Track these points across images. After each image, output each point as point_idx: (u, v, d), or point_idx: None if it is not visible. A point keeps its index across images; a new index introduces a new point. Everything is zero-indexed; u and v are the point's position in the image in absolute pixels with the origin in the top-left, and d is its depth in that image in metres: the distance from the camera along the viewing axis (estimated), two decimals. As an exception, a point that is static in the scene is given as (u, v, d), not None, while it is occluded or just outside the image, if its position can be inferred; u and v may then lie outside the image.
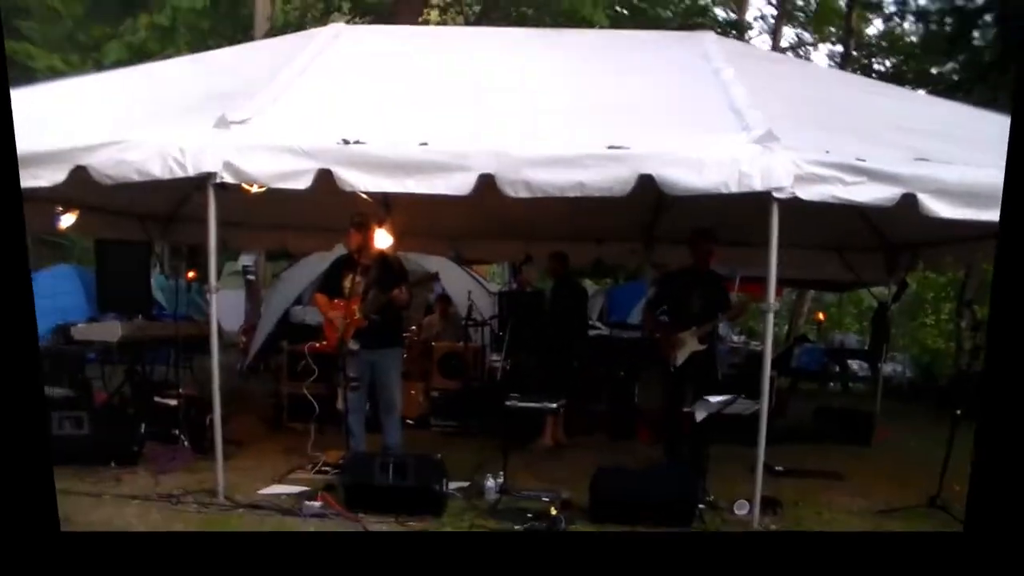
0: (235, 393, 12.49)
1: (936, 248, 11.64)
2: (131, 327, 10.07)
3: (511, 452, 8.57)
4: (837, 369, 17.50)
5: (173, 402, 9.71)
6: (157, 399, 9.92)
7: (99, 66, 17.76)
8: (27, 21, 25.23)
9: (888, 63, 28.67)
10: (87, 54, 21.26)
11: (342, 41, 10.17)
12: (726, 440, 8.94)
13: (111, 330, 9.93)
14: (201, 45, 17.83)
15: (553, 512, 7.37)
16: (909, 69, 25.35)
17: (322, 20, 22.45)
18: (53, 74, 18.39)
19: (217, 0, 20.32)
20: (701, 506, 7.63)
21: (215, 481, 7.79)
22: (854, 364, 18.79)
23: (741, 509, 7.72)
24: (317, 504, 7.46)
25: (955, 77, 21.87)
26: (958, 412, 8.21)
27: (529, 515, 7.44)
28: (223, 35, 20.43)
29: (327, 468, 8.82)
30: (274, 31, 19.18)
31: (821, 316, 23.29)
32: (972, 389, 12.26)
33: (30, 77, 17.23)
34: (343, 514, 7.36)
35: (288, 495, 7.95)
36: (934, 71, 24.19)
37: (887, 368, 16.19)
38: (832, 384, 18.27)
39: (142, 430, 9.19)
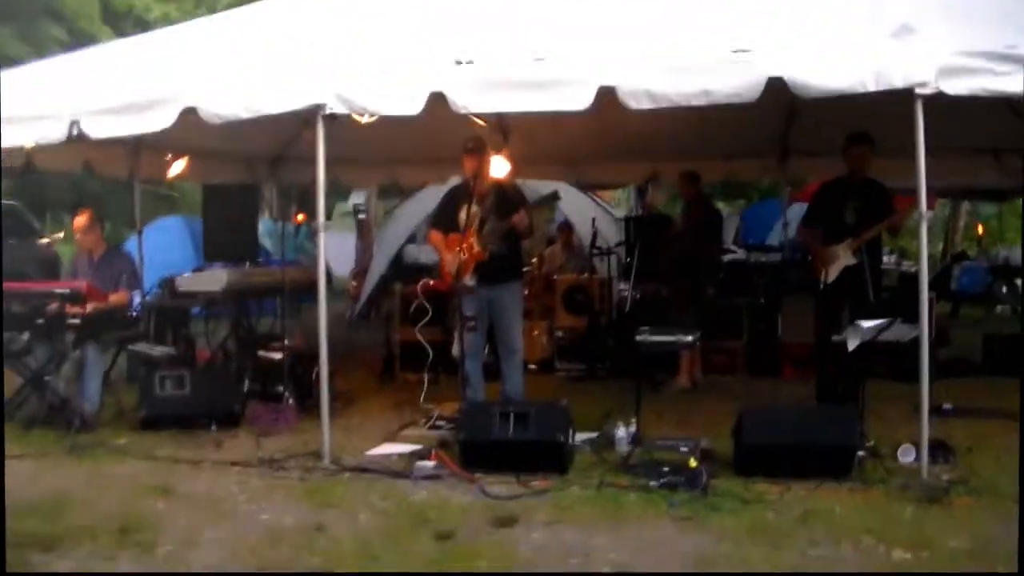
0: (345, 343, 12.08)
1: None
2: (237, 275, 9.77)
3: (643, 396, 7.86)
4: (1004, 290, 16.20)
5: (278, 356, 9.34)
6: (261, 354, 9.58)
7: (212, 11, 17.76)
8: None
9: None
10: (200, 1, 21.35)
11: None
12: (883, 376, 8.18)
13: (216, 279, 9.62)
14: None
15: (693, 464, 6.65)
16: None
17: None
18: (168, 22, 18.50)
19: None
20: (861, 453, 6.81)
21: (320, 442, 7.32)
22: (1024, 284, 17.57)
23: (907, 456, 6.89)
24: (430, 464, 6.93)
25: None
26: None
27: (666, 469, 6.70)
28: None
29: (442, 422, 8.29)
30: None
31: (981, 229, 21.79)
32: None
33: (145, 28, 17.28)
34: (459, 474, 6.80)
35: (399, 455, 7.41)
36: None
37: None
38: (1000, 307, 16.96)
39: (245, 388, 8.98)
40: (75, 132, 7.54)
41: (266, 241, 15.14)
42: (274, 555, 5.22)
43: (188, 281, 9.72)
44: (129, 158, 10.52)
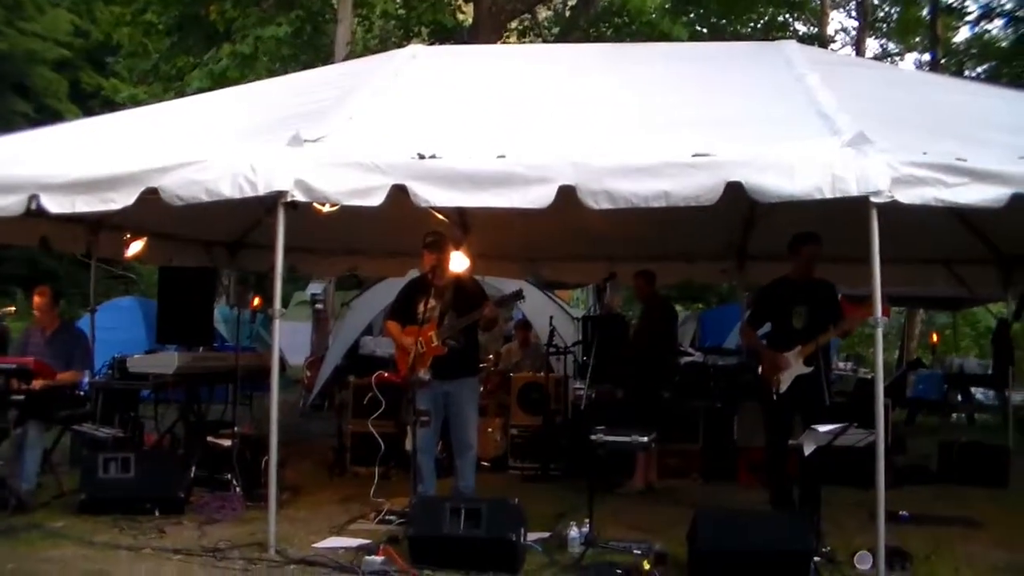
0: (295, 433, 11.92)
1: None
2: (189, 358, 9.78)
3: (597, 497, 7.75)
4: (959, 398, 16.28)
5: (227, 443, 9.19)
6: (210, 440, 9.44)
7: (181, 95, 17.88)
8: (114, 58, 25.74)
9: (980, 69, 27.93)
10: (170, 84, 21.50)
11: (419, 61, 9.98)
12: (838, 482, 8.13)
13: (167, 361, 9.63)
14: (281, 72, 17.86)
15: (646, 567, 6.61)
16: (1002, 74, 24.37)
17: (401, 46, 22.59)
18: (135, 104, 18.60)
19: (299, 28, 20.46)
20: (817, 559, 6.72)
21: (266, 533, 7.13)
22: (978, 392, 17.62)
23: (863, 563, 6.81)
24: (378, 560, 6.74)
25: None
26: None
27: (619, 571, 6.63)
28: (303, 62, 20.50)
29: (391, 517, 8.16)
30: (353, 57, 19.09)
31: (935, 338, 21.98)
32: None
33: (113, 109, 17.33)
34: (407, 570, 6.63)
35: (347, 549, 7.24)
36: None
37: (1016, 396, 15.04)
38: (955, 415, 17.02)
39: (191, 475, 8.79)
40: (34, 206, 7.44)
41: (221, 327, 15.07)
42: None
43: (139, 362, 9.63)
44: (87, 236, 10.40)
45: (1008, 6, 25.78)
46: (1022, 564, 7.20)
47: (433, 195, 7.04)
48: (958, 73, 27.01)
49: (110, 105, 22.18)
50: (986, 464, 10.93)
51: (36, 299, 9.14)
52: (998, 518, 8.87)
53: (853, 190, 6.56)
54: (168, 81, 21.94)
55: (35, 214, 7.66)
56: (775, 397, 8.35)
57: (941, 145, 6.84)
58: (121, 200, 7.38)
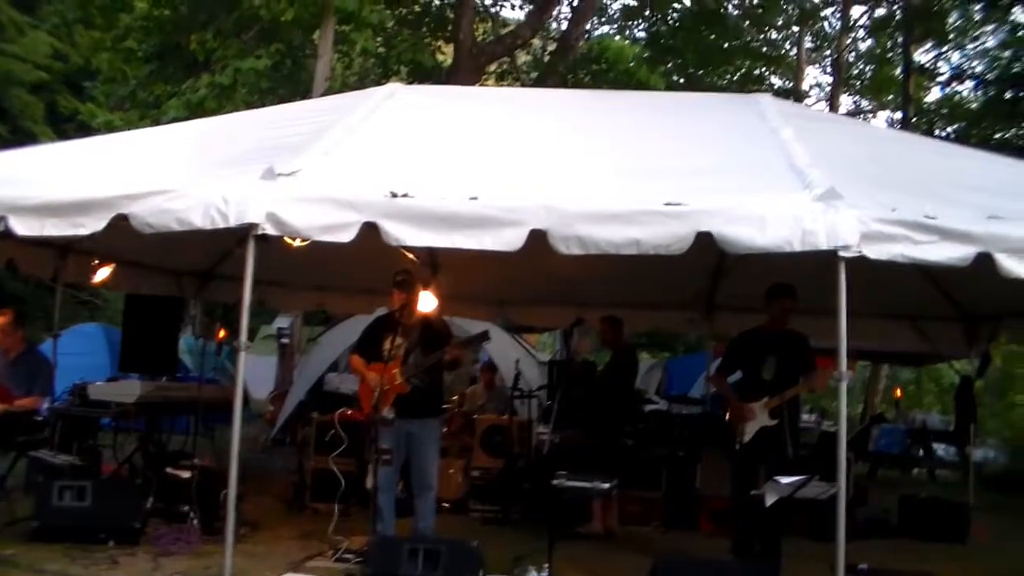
0: (256, 467, 11.80)
1: (1020, 317, 10.89)
2: (151, 387, 9.64)
3: (557, 542, 7.75)
4: (921, 453, 16.33)
5: (186, 475, 9.09)
6: (169, 471, 9.31)
7: (157, 123, 17.87)
8: (92, 82, 25.66)
9: (950, 129, 28.26)
10: (146, 111, 21.45)
11: (396, 100, 9.92)
12: (799, 535, 8.14)
13: (130, 389, 9.52)
14: (258, 105, 17.87)
15: (604, 614, 6.46)
16: (971, 135, 24.63)
17: (380, 83, 22.67)
18: (111, 130, 18.54)
19: (279, 62, 20.57)
20: (776, 612, 6.64)
21: (222, 567, 6.96)
22: (939, 448, 17.70)
23: (822, 616, 6.75)
24: (335, 598, 6.62)
25: (1021, 143, 21.45)
26: None
27: (576, 617, 6.53)
28: (281, 96, 20.51)
29: (350, 556, 8.07)
30: (332, 92, 19.14)
31: (899, 393, 22.04)
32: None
33: (88, 133, 17.27)
34: (363, 610, 6.51)
35: (304, 586, 7.14)
36: (998, 136, 23.46)
37: (977, 453, 15.13)
38: (916, 470, 17.07)
39: (148, 505, 8.68)
40: (2, 228, 7.37)
41: (186, 357, 14.95)
42: None
43: (101, 390, 9.54)
44: (55, 260, 10.30)
45: (978, 69, 26.25)
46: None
47: (404, 234, 7.00)
48: (928, 132, 27.26)
49: (85, 130, 22.09)
50: (946, 520, 10.99)
51: None
52: (956, 574, 8.90)
53: (823, 244, 6.56)
54: (145, 108, 21.85)
55: (2, 236, 7.61)
56: (738, 447, 8.35)
57: (910, 202, 6.88)
58: (91, 225, 7.31)
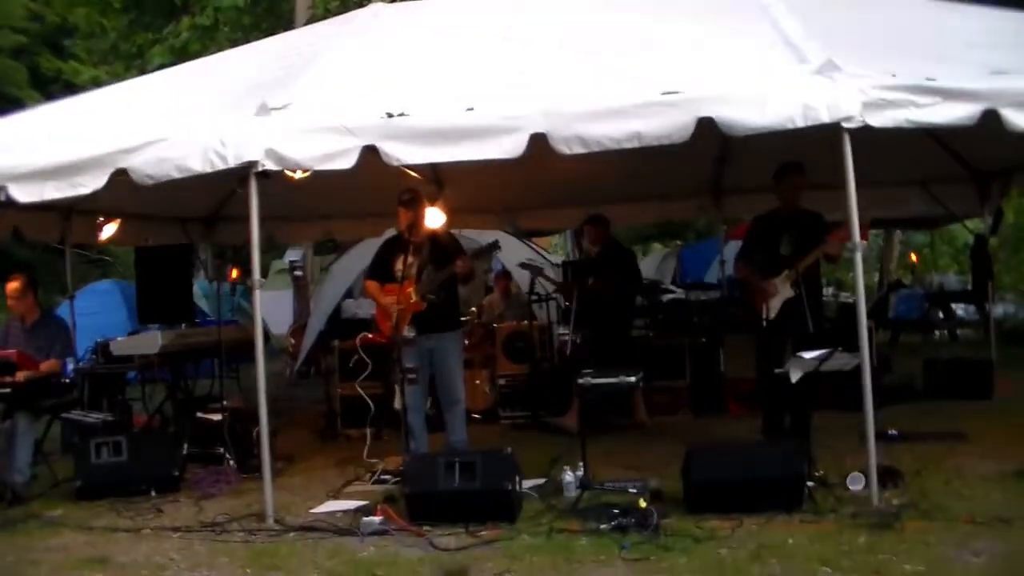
0: (285, 401, 11.89)
1: None
2: (172, 336, 9.69)
3: (589, 439, 7.78)
4: (941, 315, 16.34)
5: (217, 417, 9.15)
6: (200, 416, 9.38)
7: (143, 73, 17.71)
8: (71, 40, 25.38)
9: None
10: (131, 62, 21.24)
11: (381, 20, 9.77)
12: (828, 406, 8.18)
13: (151, 341, 9.54)
14: (243, 41, 17.61)
15: (643, 505, 6.55)
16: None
17: (362, 6, 22.34)
18: (97, 86, 18.39)
19: None
20: (810, 484, 6.76)
21: (263, 503, 7.12)
22: (959, 308, 17.69)
23: (856, 483, 6.87)
24: (377, 520, 6.73)
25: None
26: None
27: (616, 511, 6.61)
28: (264, 30, 20.20)
29: (387, 477, 8.14)
30: (315, 20, 18.89)
31: (914, 257, 21.96)
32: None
33: (75, 92, 17.13)
34: (406, 528, 6.63)
35: (345, 512, 7.23)
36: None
37: (996, 310, 15.14)
38: (938, 333, 17.09)
39: (184, 452, 8.76)
40: (3, 197, 7.37)
41: (202, 302, 14.97)
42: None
43: (122, 345, 9.57)
44: (60, 223, 10.32)
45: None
46: (1009, 472, 7.26)
47: (404, 153, 7.01)
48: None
49: (71, 88, 21.92)
50: (971, 378, 11.05)
51: (9, 287, 9.00)
52: (985, 430, 8.94)
53: (825, 118, 6.55)
54: (129, 59, 21.68)
55: (4, 205, 7.61)
56: (765, 324, 8.35)
57: (910, 66, 6.83)
58: (91, 184, 7.31)
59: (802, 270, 8.08)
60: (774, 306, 8.23)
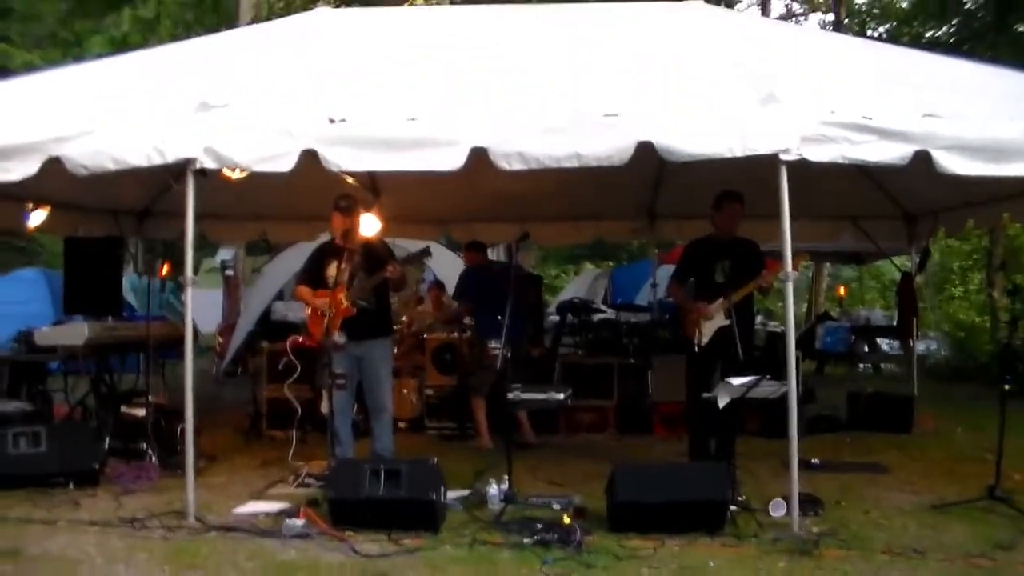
0: (210, 401, 11.76)
1: (956, 212, 11.22)
2: (98, 328, 9.41)
3: (515, 454, 7.79)
4: (866, 349, 16.60)
5: (141, 413, 9.03)
6: (124, 410, 9.26)
7: (80, 61, 17.36)
8: (5, 22, 24.92)
9: (882, 29, 28.23)
10: (68, 50, 20.91)
11: (327, 25, 9.86)
12: (754, 433, 8.29)
13: (77, 332, 9.26)
14: (184, 37, 17.48)
15: (566, 521, 6.59)
16: (903, 34, 24.69)
17: (307, 9, 22.31)
18: (31, 71, 18.07)
19: None
20: (733, 507, 6.84)
21: (185, 501, 7.02)
22: (883, 343, 17.97)
23: (778, 510, 6.94)
24: (299, 523, 6.68)
25: (951, 41, 21.53)
26: (1007, 387, 7.63)
27: (539, 526, 6.63)
28: (207, 26, 20.07)
29: (311, 480, 8.11)
30: (259, 21, 18.79)
31: (842, 291, 22.31)
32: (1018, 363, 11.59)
33: (7, 75, 16.83)
34: (328, 532, 6.58)
35: (267, 514, 7.16)
36: (929, 35, 23.60)
37: (920, 346, 15.38)
38: (862, 366, 17.37)
39: (105, 446, 8.58)
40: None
41: (130, 296, 14.79)
42: (134, 620, 4.97)
43: (47, 335, 9.33)
44: (-14, 208, 10.12)
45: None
46: (926, 505, 7.41)
47: (344, 159, 6.99)
48: (860, 33, 27.35)
49: (4, 72, 21.59)
50: (892, 412, 11.26)
51: None
52: (903, 463, 9.16)
53: (763, 148, 6.67)
54: (66, 47, 21.39)
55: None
56: (696, 349, 8.42)
57: (848, 104, 6.95)
58: (21, 170, 7.15)
59: (736, 300, 8.15)
60: (706, 332, 8.31)
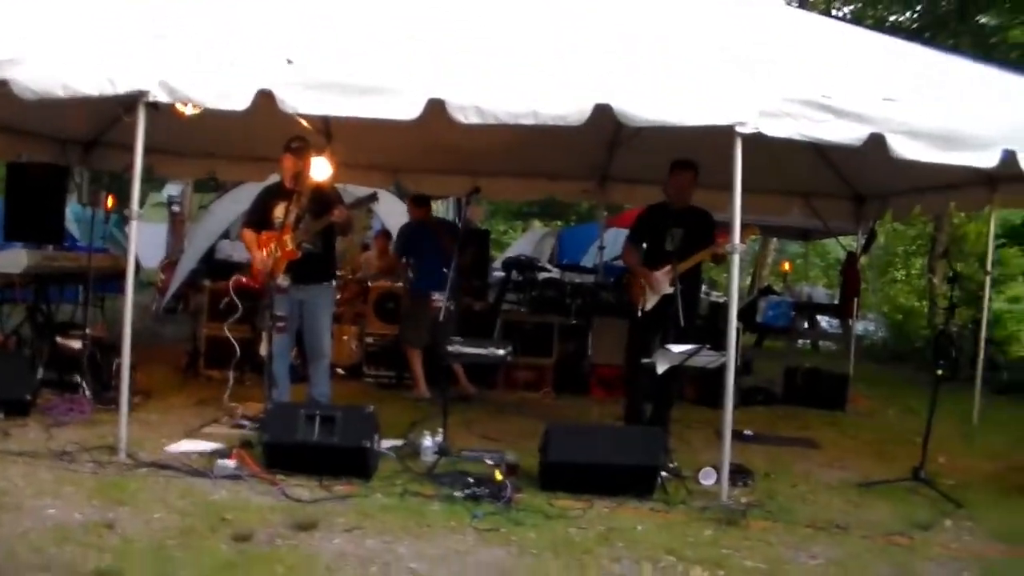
0: (148, 337, 11.65)
1: (905, 196, 11.44)
2: (38, 257, 9.32)
3: (451, 407, 7.82)
4: (806, 325, 16.77)
5: (77, 345, 8.89)
6: (59, 341, 9.09)
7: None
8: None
9: (847, 9, 28.18)
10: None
11: None
12: (687, 401, 8.34)
13: (15, 259, 9.17)
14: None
15: (498, 477, 6.62)
16: (866, 16, 24.79)
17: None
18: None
19: None
20: (664, 474, 6.87)
21: (117, 436, 6.93)
22: (823, 321, 18.17)
23: (708, 479, 6.99)
24: (231, 464, 6.65)
25: (914, 26, 21.62)
26: (939, 373, 7.71)
27: (471, 480, 6.66)
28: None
29: (245, 422, 8.10)
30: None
31: (787, 266, 22.47)
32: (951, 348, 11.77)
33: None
34: (260, 475, 6.56)
35: (199, 453, 7.11)
36: (892, 19, 23.74)
37: (859, 326, 15.58)
38: (801, 342, 17.55)
39: (38, 376, 8.43)
40: None
41: (73, 227, 14.54)
42: (60, 553, 4.89)
43: (-16, 260, 9.18)
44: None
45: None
46: (852, 483, 7.52)
47: (300, 101, 6.89)
48: (825, 13, 27.39)
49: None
50: (827, 389, 11.41)
51: None
52: (835, 440, 9.31)
53: (720, 120, 6.67)
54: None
55: None
56: (639, 315, 8.46)
57: (808, 82, 6.96)
58: (-35, 92, 6.96)
59: (682, 271, 8.16)
60: (651, 299, 8.34)
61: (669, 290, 8.18)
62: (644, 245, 8.74)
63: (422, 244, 10.55)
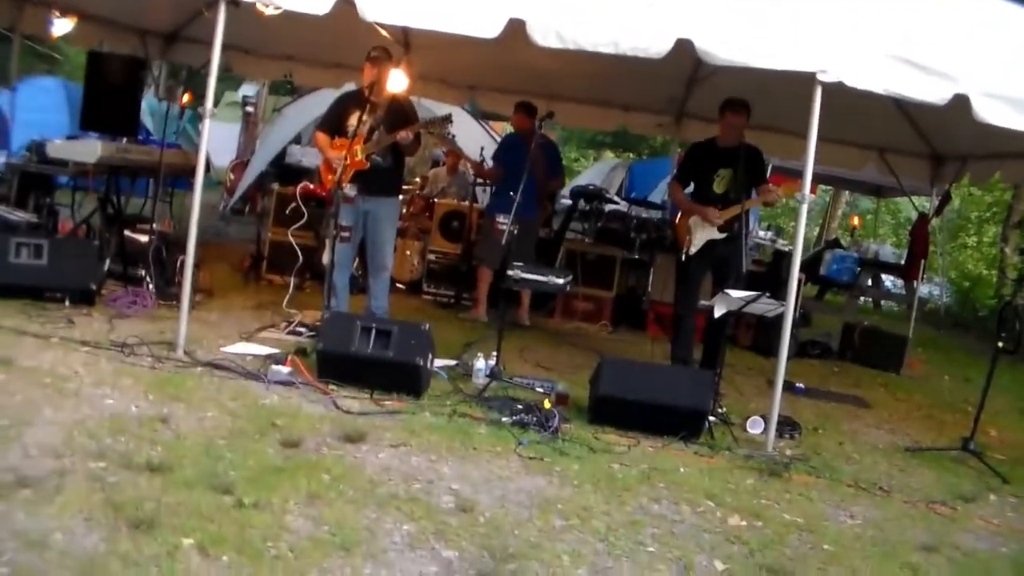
0: (213, 235, 11.74)
1: (985, 161, 11.02)
2: (112, 148, 9.28)
3: (507, 332, 7.84)
4: (870, 283, 16.54)
5: (144, 239, 9.01)
6: (127, 234, 9.20)
7: None
8: None
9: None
10: None
11: None
12: (741, 347, 8.29)
13: (90, 149, 9.11)
14: None
15: (547, 406, 6.59)
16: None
17: None
18: None
19: None
20: (712, 418, 6.87)
21: (176, 333, 7.04)
22: (888, 280, 17.90)
23: (755, 427, 7.03)
24: (285, 370, 6.74)
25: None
26: (1000, 345, 7.60)
27: (520, 407, 6.67)
28: None
29: (302, 329, 8.16)
30: None
31: (856, 221, 22.05)
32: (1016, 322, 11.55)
33: None
34: (313, 383, 6.64)
35: (255, 356, 7.20)
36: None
37: (923, 289, 15.37)
38: (863, 299, 17.33)
39: (105, 267, 8.58)
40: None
41: (148, 119, 14.64)
42: (114, 443, 4.97)
43: (60, 148, 9.16)
44: (11, 8, 9.95)
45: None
46: (900, 447, 7.48)
47: (380, 10, 6.83)
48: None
49: None
50: (884, 349, 11.27)
51: None
52: (886, 402, 9.23)
53: (802, 66, 6.54)
54: None
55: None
56: (684, 257, 8.41)
57: (896, 36, 6.76)
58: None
59: (727, 217, 8.06)
60: (697, 241, 8.28)
61: (716, 235, 8.11)
62: (692, 185, 8.64)
63: (511, 161, 10.26)
